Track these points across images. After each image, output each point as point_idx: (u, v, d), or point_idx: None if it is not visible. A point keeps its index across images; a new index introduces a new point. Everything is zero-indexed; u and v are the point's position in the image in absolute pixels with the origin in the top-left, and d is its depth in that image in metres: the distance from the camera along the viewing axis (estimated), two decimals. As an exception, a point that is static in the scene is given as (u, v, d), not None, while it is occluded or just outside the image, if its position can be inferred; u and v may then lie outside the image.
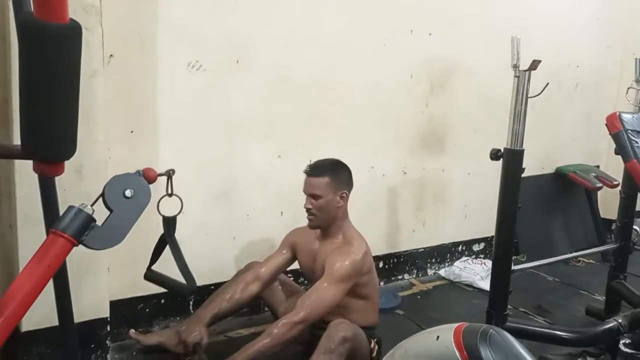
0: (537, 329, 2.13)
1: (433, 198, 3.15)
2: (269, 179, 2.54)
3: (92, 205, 1.05)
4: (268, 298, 2.10)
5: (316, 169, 1.98)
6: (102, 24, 1.87)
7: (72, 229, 1.00)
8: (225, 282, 2.22)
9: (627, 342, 2.11)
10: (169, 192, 1.22)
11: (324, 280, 1.89)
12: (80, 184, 1.84)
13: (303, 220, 2.65)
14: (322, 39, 2.55)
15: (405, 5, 2.79)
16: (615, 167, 3.07)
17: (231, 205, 2.45)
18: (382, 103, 2.83)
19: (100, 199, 1.08)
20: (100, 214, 1.10)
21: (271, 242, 2.61)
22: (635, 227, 2.71)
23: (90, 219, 1.02)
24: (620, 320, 2.04)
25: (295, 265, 2.63)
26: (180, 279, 1.29)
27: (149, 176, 1.11)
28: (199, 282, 2.33)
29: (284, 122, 2.53)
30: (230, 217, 2.46)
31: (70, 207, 1.03)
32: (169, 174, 1.21)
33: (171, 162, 2.17)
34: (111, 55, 2.04)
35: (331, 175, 1.97)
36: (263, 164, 2.51)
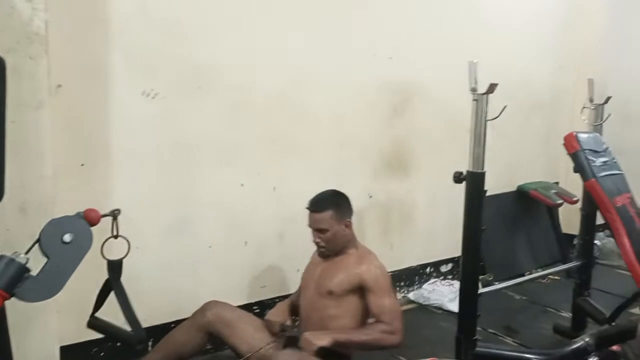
0: (507, 352, 2.08)
1: (399, 220, 3.14)
2: (232, 208, 2.46)
3: (26, 253, 0.96)
4: (229, 337, 2.00)
5: (318, 205, 2.01)
6: (48, 52, 1.78)
7: (2, 282, 0.91)
8: (185, 319, 2.11)
9: (594, 360, 2.11)
10: (114, 233, 1.14)
11: (379, 298, 1.92)
12: (26, 223, 1.71)
13: (268, 250, 2.61)
14: (283, 64, 2.52)
15: (366, 29, 2.80)
16: (574, 184, 3.13)
17: (192, 237, 2.36)
18: (346, 127, 2.81)
19: (37, 245, 0.99)
20: (39, 261, 1.01)
21: (235, 273, 2.52)
22: (595, 242, 2.76)
23: (23, 269, 0.93)
24: (587, 339, 2.03)
25: (261, 297, 2.57)
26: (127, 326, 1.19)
27: (90, 218, 1.02)
28: (157, 320, 2.26)
29: (245, 149, 2.47)
30: (191, 249, 2.36)
31: (2, 257, 0.94)
32: (114, 214, 1.12)
33: (126, 194, 2.13)
34: (59, 85, 1.95)
35: (333, 207, 2.00)
36: (225, 192, 2.44)
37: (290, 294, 2.31)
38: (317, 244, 2.03)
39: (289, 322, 2.05)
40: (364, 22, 2.80)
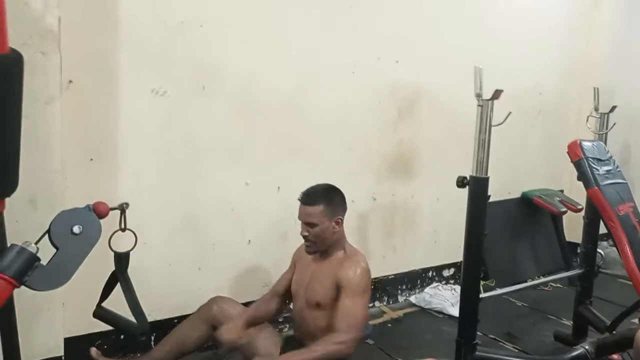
0: (506, 358, 2.12)
1: (403, 224, 3.15)
2: (236, 207, 2.49)
3: (37, 243, 0.99)
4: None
5: (310, 197, 1.95)
6: (60, 49, 1.81)
7: (12, 270, 0.93)
8: (189, 314, 2.13)
9: (594, 368, 2.11)
10: (122, 226, 1.16)
11: (346, 298, 1.85)
12: (35, 215, 1.74)
13: (271, 249, 2.62)
14: (290, 65, 2.55)
15: (373, 32, 2.82)
16: (578, 192, 3.12)
17: (196, 235, 2.38)
18: (351, 129, 2.83)
19: (46, 236, 1.01)
20: (48, 251, 1.04)
21: (238, 271, 2.54)
22: (599, 250, 2.76)
23: (34, 258, 0.96)
24: (587, 347, 2.05)
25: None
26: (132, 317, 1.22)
27: (99, 210, 1.05)
28: (161, 315, 2.28)
29: (251, 149, 2.50)
30: (196, 247, 2.39)
31: (13, 246, 0.97)
32: (122, 208, 1.15)
33: (133, 190, 2.16)
34: (70, 81, 1.99)
35: (325, 202, 1.94)
36: (230, 191, 2.46)
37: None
38: (304, 237, 1.97)
39: (240, 341, 1.95)
40: (371, 26, 2.81)
